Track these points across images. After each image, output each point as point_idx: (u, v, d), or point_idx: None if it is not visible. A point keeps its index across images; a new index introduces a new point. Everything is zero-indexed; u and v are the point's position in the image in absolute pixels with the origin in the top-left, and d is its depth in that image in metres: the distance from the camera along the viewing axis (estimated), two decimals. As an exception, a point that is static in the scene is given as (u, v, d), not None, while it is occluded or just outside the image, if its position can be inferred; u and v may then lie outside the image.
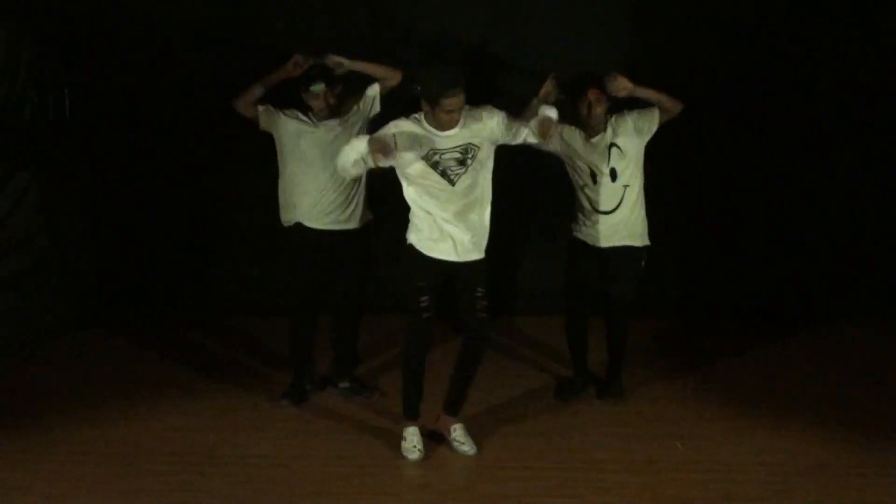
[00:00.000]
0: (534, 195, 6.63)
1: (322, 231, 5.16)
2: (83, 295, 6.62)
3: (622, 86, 4.95)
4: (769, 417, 5.14)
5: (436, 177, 4.51)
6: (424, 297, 4.60)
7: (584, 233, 5.20)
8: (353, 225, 5.21)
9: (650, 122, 5.08)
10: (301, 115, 5.17)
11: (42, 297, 6.35)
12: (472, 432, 4.88)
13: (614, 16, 6.55)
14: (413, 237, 4.64)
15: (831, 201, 6.73)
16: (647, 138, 5.11)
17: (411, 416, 4.82)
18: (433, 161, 4.50)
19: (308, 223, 5.16)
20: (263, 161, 5.38)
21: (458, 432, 4.83)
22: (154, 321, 6.71)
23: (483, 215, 4.62)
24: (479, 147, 4.53)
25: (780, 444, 4.83)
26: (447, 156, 4.50)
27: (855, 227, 6.77)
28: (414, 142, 4.48)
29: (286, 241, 5.28)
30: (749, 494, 4.34)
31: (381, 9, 6.54)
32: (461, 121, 4.49)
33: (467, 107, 4.51)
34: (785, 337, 6.45)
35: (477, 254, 4.63)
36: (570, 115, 5.07)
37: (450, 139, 4.50)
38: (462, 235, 4.57)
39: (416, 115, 4.52)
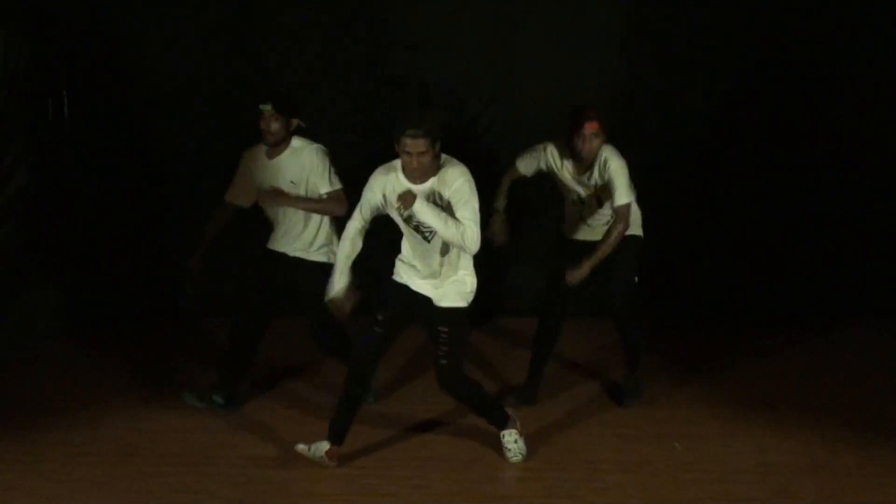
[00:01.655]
0: (525, 194, 6.61)
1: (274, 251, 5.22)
2: (82, 295, 6.62)
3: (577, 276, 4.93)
4: (768, 418, 5.14)
5: (410, 231, 4.47)
6: (382, 315, 4.55)
7: (579, 235, 5.21)
8: (300, 253, 5.16)
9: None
10: (261, 149, 5.13)
11: (41, 298, 6.36)
12: (472, 433, 4.88)
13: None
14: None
15: (831, 201, 6.72)
16: None
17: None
18: (406, 216, 4.42)
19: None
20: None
21: (505, 438, 4.68)
22: (153, 322, 6.71)
23: (458, 274, 4.49)
24: (446, 206, 4.36)
25: (778, 445, 4.82)
26: None
27: (854, 227, 6.76)
28: (392, 195, 4.40)
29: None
30: (748, 495, 4.33)
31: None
32: (434, 176, 4.34)
33: (448, 160, 4.38)
34: (784, 337, 6.44)
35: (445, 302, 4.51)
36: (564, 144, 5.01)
37: (420, 194, 4.35)
38: (433, 290, 4.52)
39: (395, 163, 4.41)
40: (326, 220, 5.13)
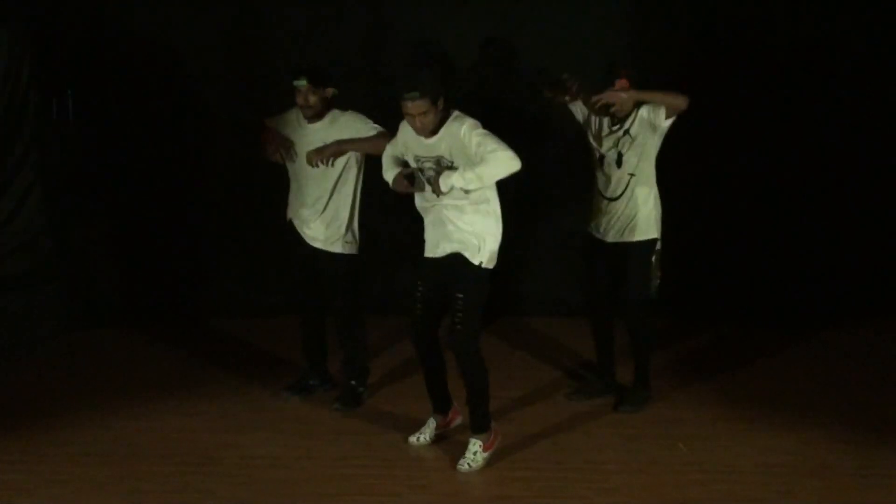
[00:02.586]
0: (540, 193, 6.62)
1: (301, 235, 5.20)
2: (85, 296, 6.62)
3: (619, 100, 4.94)
4: (771, 418, 5.13)
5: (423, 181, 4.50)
6: (419, 290, 4.59)
7: (592, 226, 5.22)
8: (319, 244, 5.15)
9: (656, 115, 4.99)
10: (295, 113, 5.13)
11: (44, 298, 6.36)
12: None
13: (615, 22, 6.58)
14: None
15: (835, 202, 6.72)
16: (658, 133, 5.03)
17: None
18: (419, 167, 4.49)
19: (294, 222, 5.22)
20: (263, 163, 5.38)
21: (471, 444, 4.62)
22: (154, 322, 6.70)
23: (465, 220, 4.45)
24: (451, 163, 4.38)
25: (782, 445, 4.81)
26: (427, 164, 4.46)
27: (857, 228, 6.75)
28: (410, 142, 4.50)
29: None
30: (751, 495, 4.32)
31: (380, 25, 6.60)
32: (439, 132, 4.36)
33: (457, 116, 4.39)
34: (787, 338, 6.44)
35: (451, 248, 4.47)
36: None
37: (429, 147, 4.42)
38: (442, 241, 4.52)
39: None
40: (347, 210, 5.12)
